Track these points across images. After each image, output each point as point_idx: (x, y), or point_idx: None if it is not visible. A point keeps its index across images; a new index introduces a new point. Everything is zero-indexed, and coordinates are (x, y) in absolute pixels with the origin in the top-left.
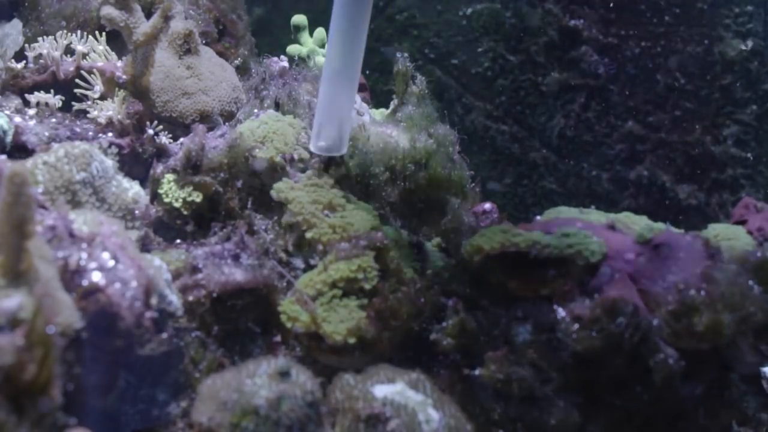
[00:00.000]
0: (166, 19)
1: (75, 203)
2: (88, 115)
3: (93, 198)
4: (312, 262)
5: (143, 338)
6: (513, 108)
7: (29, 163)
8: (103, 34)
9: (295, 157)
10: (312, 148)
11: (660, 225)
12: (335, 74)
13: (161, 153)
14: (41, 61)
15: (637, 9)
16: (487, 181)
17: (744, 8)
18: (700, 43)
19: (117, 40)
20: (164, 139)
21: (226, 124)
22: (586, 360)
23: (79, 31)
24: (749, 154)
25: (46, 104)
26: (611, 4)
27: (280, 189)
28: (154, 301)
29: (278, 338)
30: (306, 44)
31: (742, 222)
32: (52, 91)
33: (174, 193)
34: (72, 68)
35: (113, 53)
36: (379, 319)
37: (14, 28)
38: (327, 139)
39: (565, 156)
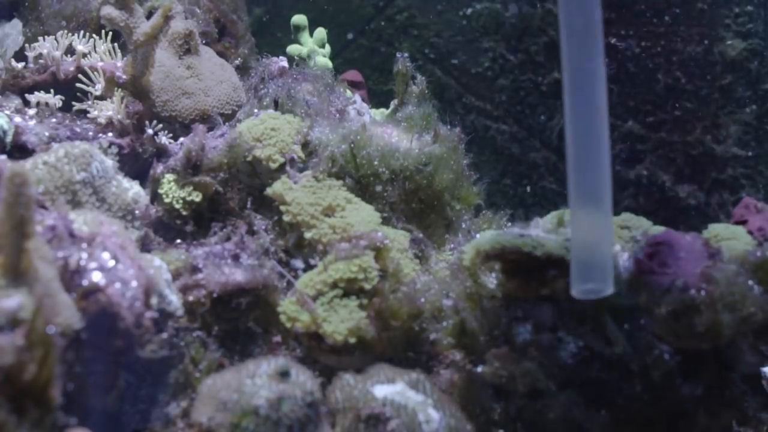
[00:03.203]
0: (167, 19)
1: (75, 203)
2: (88, 115)
3: (93, 198)
4: (312, 262)
5: (143, 338)
6: (513, 108)
7: (29, 163)
8: (109, 33)
9: (295, 157)
10: (574, 293)
11: (660, 228)
12: (586, 198)
13: (161, 153)
14: (41, 61)
15: (637, 9)
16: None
17: (744, 8)
18: (700, 43)
19: (117, 40)
20: (164, 139)
21: (226, 124)
22: (586, 359)
23: (81, 32)
24: (749, 153)
25: (46, 104)
26: (611, 4)
27: (277, 189)
28: (154, 301)
29: (278, 338)
30: (306, 44)
31: (742, 222)
32: (52, 91)
33: (174, 193)
34: (72, 68)
35: (119, 51)
36: (379, 319)
37: (14, 28)
38: (594, 278)
39: (565, 156)
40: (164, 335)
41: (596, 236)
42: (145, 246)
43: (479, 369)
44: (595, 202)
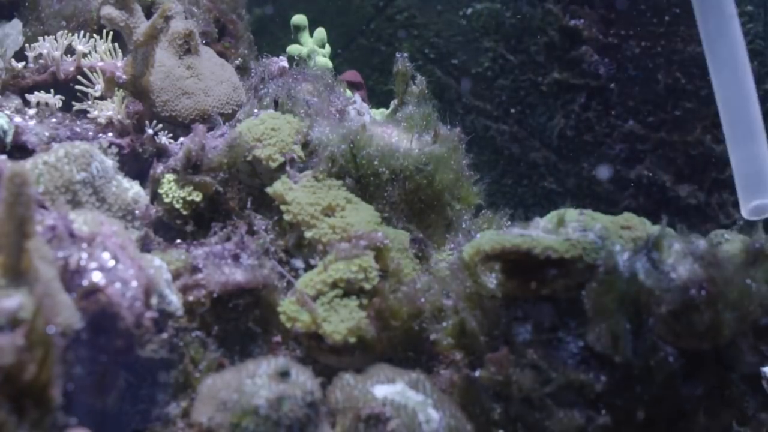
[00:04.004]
0: (166, 19)
1: (75, 203)
2: (88, 115)
3: (93, 198)
4: (312, 262)
5: (143, 338)
6: (513, 108)
7: (29, 163)
8: (109, 33)
9: (295, 157)
10: (744, 214)
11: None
12: (737, 119)
13: (161, 153)
14: (41, 61)
15: (637, 9)
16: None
17: (744, 8)
18: (700, 43)
19: (117, 40)
20: (164, 139)
21: (226, 124)
22: (585, 360)
23: (81, 32)
24: None
25: (46, 104)
26: (611, 4)
27: (277, 189)
28: (154, 301)
29: (278, 338)
30: (306, 44)
31: None
32: (52, 91)
33: (174, 193)
34: (72, 68)
35: (119, 51)
36: (379, 319)
37: (14, 28)
38: (762, 194)
39: (565, 156)
40: (164, 335)
41: (759, 162)
42: (145, 246)
43: (477, 373)
44: (752, 135)
